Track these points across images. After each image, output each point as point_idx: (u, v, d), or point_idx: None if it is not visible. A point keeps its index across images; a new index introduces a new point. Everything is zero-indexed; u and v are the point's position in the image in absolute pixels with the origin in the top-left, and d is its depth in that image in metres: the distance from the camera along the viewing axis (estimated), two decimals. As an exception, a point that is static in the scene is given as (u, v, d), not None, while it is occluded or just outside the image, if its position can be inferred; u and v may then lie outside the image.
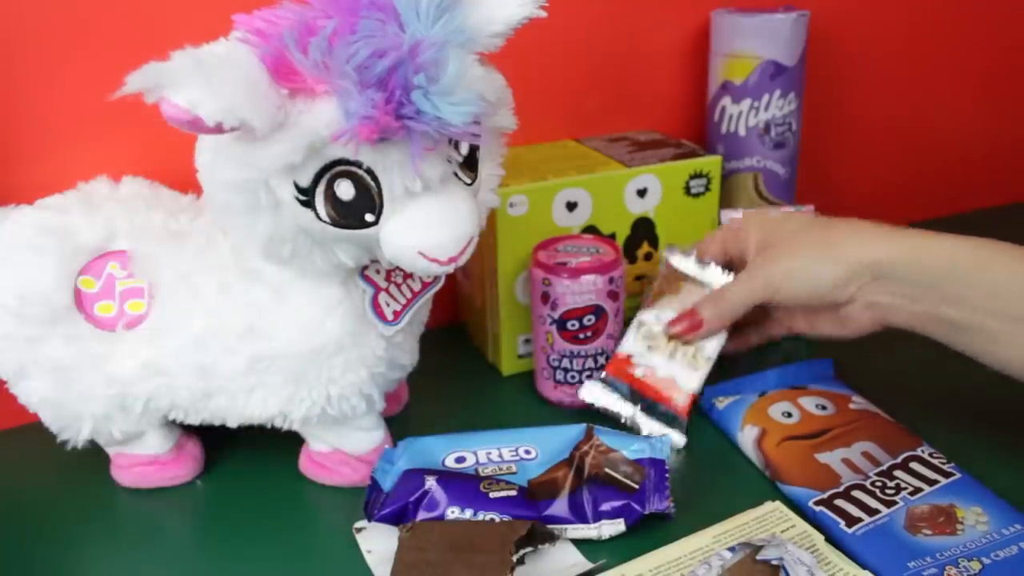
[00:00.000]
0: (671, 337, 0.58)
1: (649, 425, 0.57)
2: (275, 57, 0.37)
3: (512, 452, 0.53)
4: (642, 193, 0.65)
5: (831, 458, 0.52)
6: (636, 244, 0.67)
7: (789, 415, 0.56)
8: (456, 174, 0.43)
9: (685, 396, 0.57)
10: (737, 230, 0.58)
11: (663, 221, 0.67)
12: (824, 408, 0.57)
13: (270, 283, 0.48)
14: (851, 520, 0.47)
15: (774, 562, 0.41)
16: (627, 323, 0.61)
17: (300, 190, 0.41)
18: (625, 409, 0.58)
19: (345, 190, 0.41)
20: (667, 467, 0.51)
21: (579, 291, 0.58)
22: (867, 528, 0.46)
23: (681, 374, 0.57)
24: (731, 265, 0.60)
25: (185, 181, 0.50)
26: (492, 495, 0.49)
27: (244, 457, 0.57)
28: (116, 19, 0.57)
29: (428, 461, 0.52)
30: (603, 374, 0.58)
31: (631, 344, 0.59)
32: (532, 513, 0.48)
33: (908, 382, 0.62)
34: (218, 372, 0.49)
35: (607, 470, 0.51)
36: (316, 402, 0.50)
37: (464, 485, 0.49)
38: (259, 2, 0.40)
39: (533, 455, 0.52)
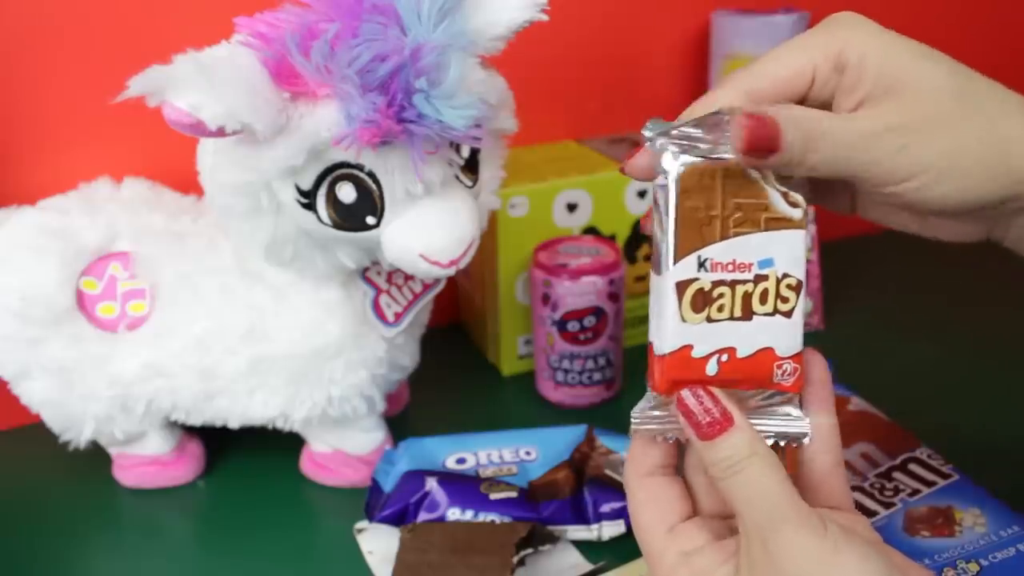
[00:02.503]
0: (740, 142, 0.30)
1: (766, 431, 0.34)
2: (277, 60, 0.38)
3: (512, 453, 0.53)
4: (643, 194, 0.65)
5: (830, 459, 0.52)
6: (636, 245, 0.67)
7: (789, 416, 0.57)
8: (457, 177, 0.44)
9: (792, 364, 0.33)
10: (837, 54, 0.33)
11: (663, 222, 0.67)
12: (823, 409, 0.57)
13: (271, 285, 0.48)
14: (850, 522, 0.47)
15: None
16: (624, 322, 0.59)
17: (302, 193, 0.41)
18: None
19: (346, 193, 0.41)
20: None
21: (579, 292, 0.58)
22: (866, 530, 0.47)
23: (773, 332, 0.33)
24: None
25: (187, 183, 0.50)
26: (493, 496, 0.49)
27: (245, 458, 0.58)
28: (119, 22, 0.57)
29: (429, 462, 0.52)
30: (651, 399, 0.34)
31: (680, 327, 0.32)
32: (532, 514, 0.48)
33: (907, 384, 0.62)
34: (219, 373, 0.49)
35: (607, 471, 0.51)
36: (317, 403, 0.50)
37: (465, 486, 0.49)
38: (261, 5, 0.40)
39: (533, 456, 0.53)
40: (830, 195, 0.39)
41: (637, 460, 0.34)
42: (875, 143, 0.31)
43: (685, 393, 0.32)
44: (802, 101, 0.33)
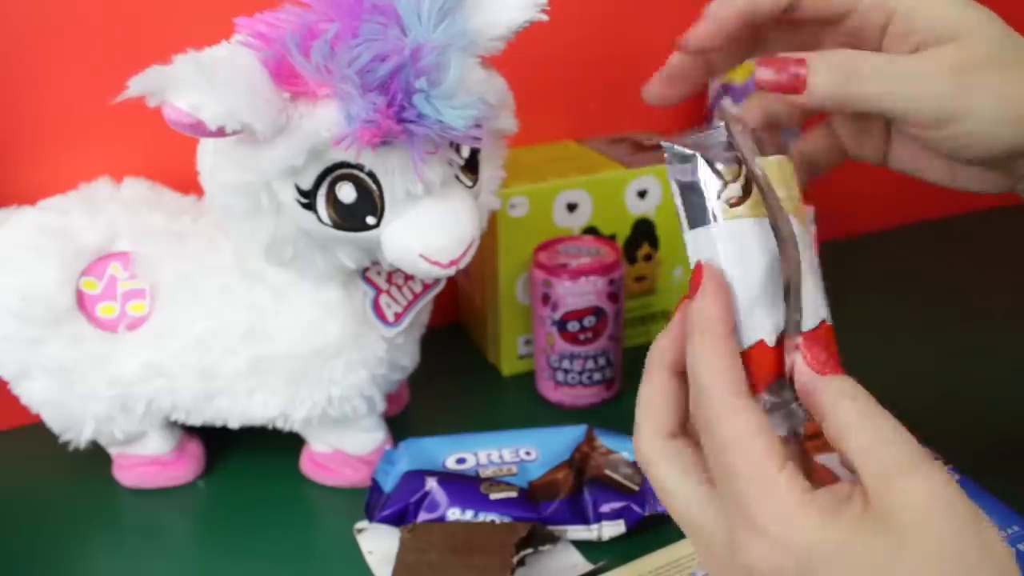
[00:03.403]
0: (758, 82, 0.34)
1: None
2: (277, 60, 0.38)
3: (512, 453, 0.53)
4: (642, 194, 0.65)
5: (830, 460, 0.52)
6: (636, 245, 0.67)
7: (789, 416, 0.57)
8: (457, 177, 0.44)
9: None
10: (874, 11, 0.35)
11: (663, 222, 0.67)
12: (823, 409, 0.57)
13: (271, 285, 0.48)
14: (850, 522, 0.47)
15: None
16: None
17: (301, 193, 0.41)
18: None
19: (346, 193, 0.41)
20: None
21: (579, 292, 0.58)
22: (866, 530, 0.47)
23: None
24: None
25: (187, 183, 0.50)
26: (492, 496, 0.49)
27: (245, 458, 0.58)
28: (119, 22, 0.57)
29: (429, 462, 0.52)
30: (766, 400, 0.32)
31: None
32: (532, 514, 0.48)
33: (907, 384, 0.62)
34: (219, 373, 0.49)
35: (607, 471, 0.51)
36: (317, 403, 0.50)
37: (465, 486, 0.49)
38: (261, 5, 0.40)
39: (533, 456, 0.53)
40: (867, 140, 0.40)
41: (740, 374, 0.30)
42: (935, 81, 0.33)
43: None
44: (837, 24, 0.36)
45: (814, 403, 0.30)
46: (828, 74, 0.33)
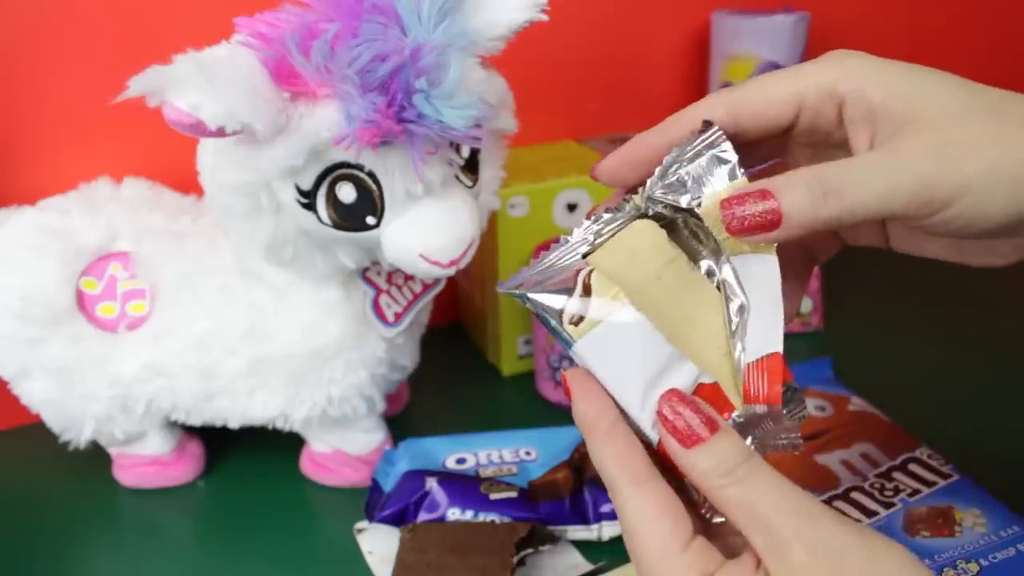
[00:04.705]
0: (728, 229, 0.30)
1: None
2: (277, 60, 0.38)
3: (512, 453, 0.53)
4: (642, 194, 0.65)
5: (830, 460, 0.52)
6: (636, 245, 0.67)
7: (788, 416, 0.57)
8: (457, 177, 0.44)
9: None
10: (831, 83, 0.32)
11: (663, 222, 0.67)
12: (823, 409, 0.57)
13: (271, 285, 0.48)
14: (850, 522, 0.47)
15: None
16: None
17: (301, 193, 0.41)
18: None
19: (346, 193, 0.41)
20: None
21: (579, 292, 0.58)
22: (866, 530, 0.47)
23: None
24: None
25: (187, 183, 0.50)
26: (493, 496, 0.49)
27: (245, 458, 0.58)
28: (119, 22, 0.57)
29: (429, 462, 0.52)
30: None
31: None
32: (532, 514, 0.48)
33: (907, 384, 0.62)
34: (219, 373, 0.49)
35: (607, 471, 0.51)
36: (317, 403, 0.50)
37: (465, 486, 0.49)
38: (261, 5, 0.40)
39: (533, 456, 0.53)
40: (863, 230, 0.38)
41: (629, 462, 0.30)
42: (915, 166, 0.29)
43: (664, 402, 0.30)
44: (789, 129, 0.33)
45: (688, 479, 0.29)
46: (801, 199, 0.29)
